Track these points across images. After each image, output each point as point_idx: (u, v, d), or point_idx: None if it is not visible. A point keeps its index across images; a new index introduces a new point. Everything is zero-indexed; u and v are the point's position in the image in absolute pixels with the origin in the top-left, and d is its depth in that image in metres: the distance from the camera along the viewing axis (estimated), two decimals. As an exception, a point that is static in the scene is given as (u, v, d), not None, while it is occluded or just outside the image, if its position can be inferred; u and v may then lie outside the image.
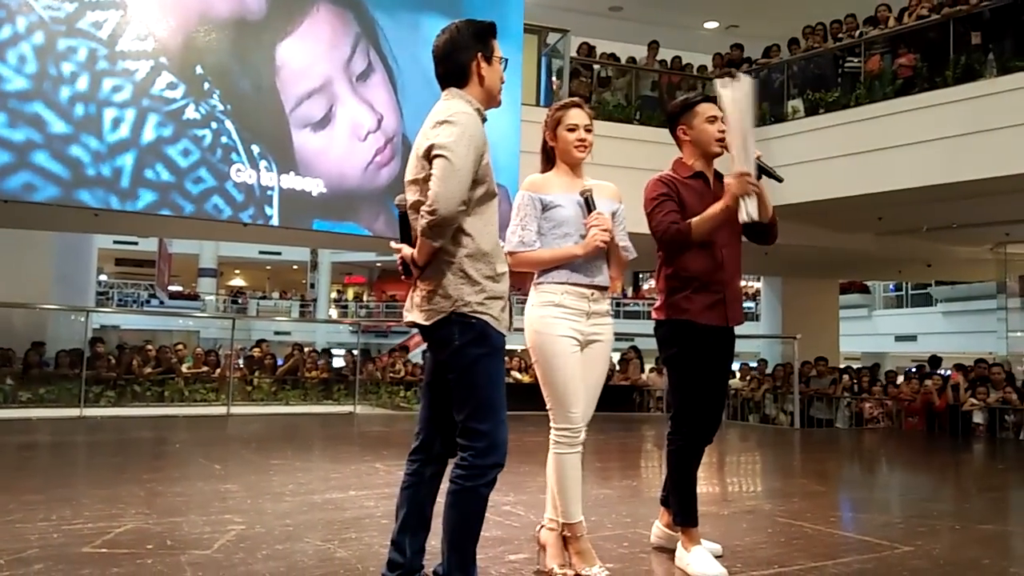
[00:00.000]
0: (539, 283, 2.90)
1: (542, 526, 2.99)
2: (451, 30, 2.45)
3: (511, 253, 2.87)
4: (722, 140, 3.06)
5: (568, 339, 2.84)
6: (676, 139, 3.20)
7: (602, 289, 2.92)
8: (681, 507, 3.10)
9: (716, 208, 2.96)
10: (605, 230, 2.83)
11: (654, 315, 3.22)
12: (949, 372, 10.92)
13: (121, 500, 4.02)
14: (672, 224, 2.99)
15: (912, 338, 21.55)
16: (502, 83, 2.50)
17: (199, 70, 7.88)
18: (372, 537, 3.39)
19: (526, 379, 10.40)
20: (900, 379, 10.93)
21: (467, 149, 2.26)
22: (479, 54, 2.43)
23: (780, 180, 3.09)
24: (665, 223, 3.00)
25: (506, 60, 2.50)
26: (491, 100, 2.49)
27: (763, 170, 3.07)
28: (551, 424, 2.89)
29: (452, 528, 2.35)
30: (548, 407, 2.90)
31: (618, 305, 24.79)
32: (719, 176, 3.16)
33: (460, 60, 2.43)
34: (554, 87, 10.35)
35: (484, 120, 2.45)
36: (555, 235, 2.88)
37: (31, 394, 8.66)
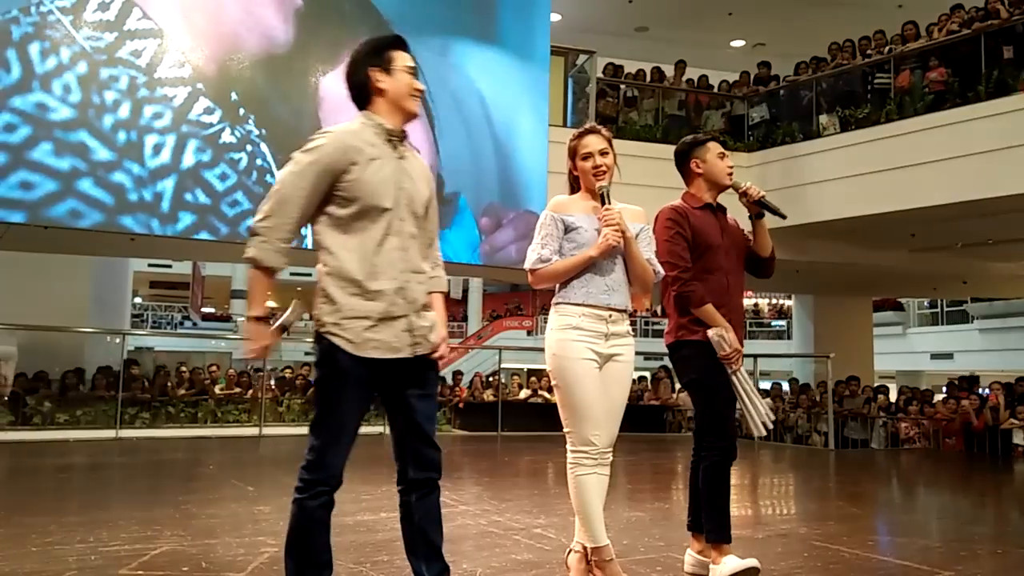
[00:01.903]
0: (557, 304, 2.92)
1: (571, 550, 2.98)
2: (351, 53, 2.44)
3: (531, 271, 2.91)
4: (731, 173, 3.25)
5: (587, 362, 2.84)
6: (687, 172, 3.33)
7: (621, 311, 2.93)
8: (716, 523, 3.09)
9: (724, 326, 3.09)
10: (618, 230, 2.84)
11: (666, 338, 3.28)
12: (987, 391, 10.68)
13: (157, 522, 4.07)
14: (689, 286, 3.10)
15: (948, 356, 21.14)
16: (413, 91, 2.40)
17: (234, 96, 8.06)
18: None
19: (553, 399, 10.33)
20: (937, 398, 10.73)
21: (300, 167, 2.27)
22: (372, 68, 2.38)
23: (784, 217, 3.24)
24: (683, 280, 3.12)
25: (413, 68, 2.42)
26: (399, 110, 2.40)
27: (766, 207, 3.23)
28: (568, 447, 2.89)
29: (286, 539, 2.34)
30: (566, 429, 2.90)
31: (647, 324, 24.62)
32: (722, 209, 3.31)
33: (357, 79, 2.41)
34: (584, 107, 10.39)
35: (396, 137, 2.39)
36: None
37: (68, 416, 8.80)
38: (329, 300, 2.32)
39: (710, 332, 3.08)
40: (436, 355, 2.39)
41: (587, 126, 3.06)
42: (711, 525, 3.10)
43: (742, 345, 3.24)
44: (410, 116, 2.43)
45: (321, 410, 2.34)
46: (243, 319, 2.19)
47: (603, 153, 2.93)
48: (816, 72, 10.49)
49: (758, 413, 3.15)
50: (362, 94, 2.42)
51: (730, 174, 3.25)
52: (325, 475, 2.30)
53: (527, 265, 2.92)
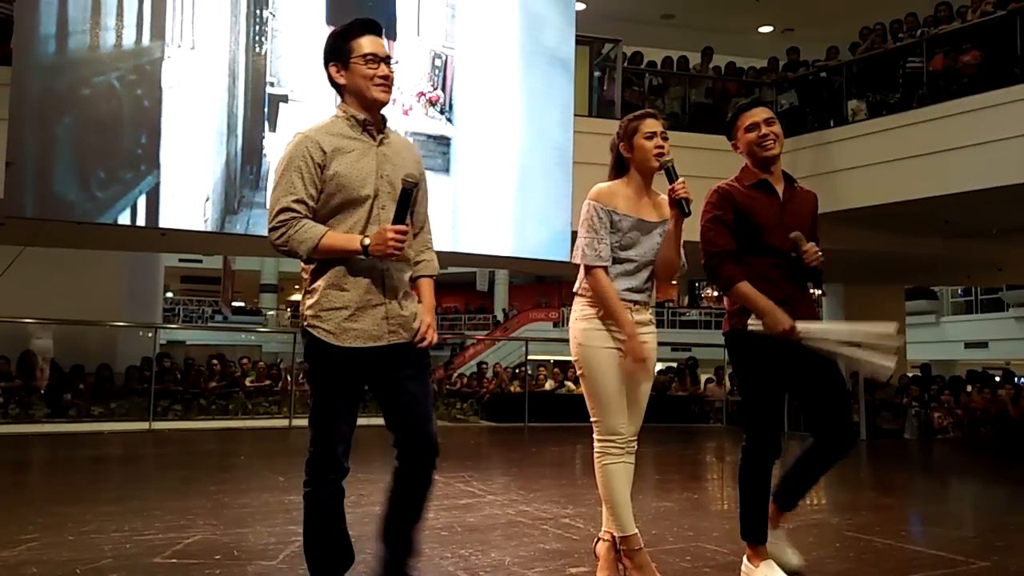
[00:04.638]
0: (581, 295, 2.89)
1: (599, 539, 2.97)
2: None
3: (588, 268, 2.82)
4: (764, 145, 2.99)
5: (612, 351, 2.82)
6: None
7: (644, 302, 2.89)
8: (749, 522, 2.99)
9: (762, 305, 2.87)
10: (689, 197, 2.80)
11: (724, 327, 3.13)
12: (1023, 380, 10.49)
13: (190, 511, 4.13)
14: (718, 269, 2.95)
15: (983, 345, 20.77)
16: (373, 80, 2.32)
17: (261, 76, 8.06)
18: (432, 548, 3.41)
19: (579, 390, 10.32)
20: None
21: (281, 167, 2.30)
22: (331, 63, 2.37)
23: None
24: (711, 266, 2.96)
25: (374, 55, 2.33)
26: (364, 101, 2.36)
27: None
28: (595, 436, 2.87)
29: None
30: (593, 419, 2.88)
31: (674, 315, 24.47)
32: (789, 181, 3.10)
33: (327, 75, 2.39)
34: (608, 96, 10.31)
35: (372, 126, 2.37)
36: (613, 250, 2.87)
37: (103, 408, 8.95)
38: (311, 292, 2.35)
39: (749, 325, 2.91)
40: (419, 344, 2.40)
41: (645, 110, 2.99)
42: (742, 522, 3.00)
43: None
44: (377, 105, 2.38)
45: (316, 402, 2.36)
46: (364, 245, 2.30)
47: (664, 137, 2.89)
48: (848, 57, 10.32)
49: (867, 361, 2.88)
50: (335, 89, 2.42)
51: (763, 144, 2.98)
52: (330, 464, 2.35)
53: (586, 261, 2.82)
